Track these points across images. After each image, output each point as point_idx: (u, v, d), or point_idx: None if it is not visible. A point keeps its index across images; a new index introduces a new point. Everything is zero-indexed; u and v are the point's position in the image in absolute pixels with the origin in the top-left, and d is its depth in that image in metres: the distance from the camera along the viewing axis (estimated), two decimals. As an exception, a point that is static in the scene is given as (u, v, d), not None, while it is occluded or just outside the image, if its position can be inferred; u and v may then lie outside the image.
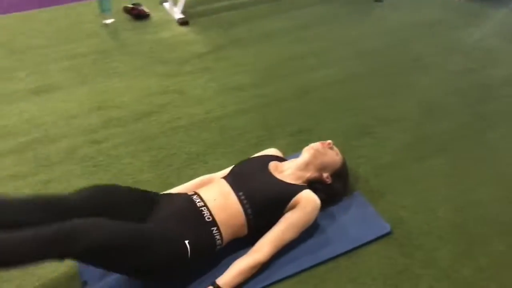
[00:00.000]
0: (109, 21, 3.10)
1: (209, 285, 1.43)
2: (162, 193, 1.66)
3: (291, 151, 2.00)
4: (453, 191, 1.93)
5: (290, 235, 1.56)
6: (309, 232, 1.68)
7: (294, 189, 1.60)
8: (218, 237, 1.48)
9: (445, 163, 2.06)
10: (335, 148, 1.79)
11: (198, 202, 1.51)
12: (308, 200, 1.59)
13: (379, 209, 1.82)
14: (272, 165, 1.71)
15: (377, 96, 2.50)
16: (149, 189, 1.82)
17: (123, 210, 1.41)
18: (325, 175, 1.72)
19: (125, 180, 1.92)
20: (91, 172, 1.96)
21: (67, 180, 1.91)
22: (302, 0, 3.52)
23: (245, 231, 1.55)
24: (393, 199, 1.87)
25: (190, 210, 1.48)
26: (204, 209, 1.50)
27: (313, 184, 1.71)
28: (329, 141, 1.77)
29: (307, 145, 1.83)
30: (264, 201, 1.55)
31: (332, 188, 1.74)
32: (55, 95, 2.41)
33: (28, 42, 2.86)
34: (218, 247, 1.50)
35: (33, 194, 1.43)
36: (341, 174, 1.77)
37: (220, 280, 1.44)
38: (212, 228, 1.47)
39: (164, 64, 2.71)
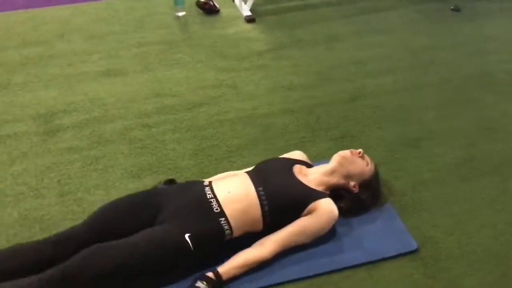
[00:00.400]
0: (181, 13, 3.27)
1: (209, 271, 1.49)
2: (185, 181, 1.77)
3: (329, 156, 1.99)
4: (495, 217, 1.81)
5: (299, 239, 1.58)
6: (330, 237, 1.68)
7: (314, 195, 1.61)
8: (226, 227, 1.53)
9: (493, 187, 1.94)
10: (366, 157, 1.76)
11: (208, 194, 1.58)
12: (325, 209, 1.59)
13: (410, 225, 1.76)
14: (297, 168, 1.73)
15: (433, 109, 2.40)
16: (186, 175, 1.94)
17: (125, 227, 1.50)
18: (352, 183, 1.71)
19: (166, 164, 2.04)
20: (138, 154, 2.10)
21: (115, 159, 2.07)
22: (376, 4, 3.45)
23: (260, 226, 1.59)
24: (427, 217, 1.80)
25: (198, 202, 1.55)
26: (213, 200, 1.55)
27: (338, 191, 1.71)
28: (360, 150, 1.75)
29: (347, 148, 1.81)
30: (282, 200, 1.58)
31: (358, 197, 1.72)
32: (120, 79, 2.61)
33: (106, 28, 3.11)
34: (228, 237, 1.55)
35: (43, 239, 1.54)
36: (370, 184, 1.74)
37: (221, 268, 1.50)
38: (220, 219, 1.53)
39: (224, 58, 2.81)
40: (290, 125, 2.29)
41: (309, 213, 1.59)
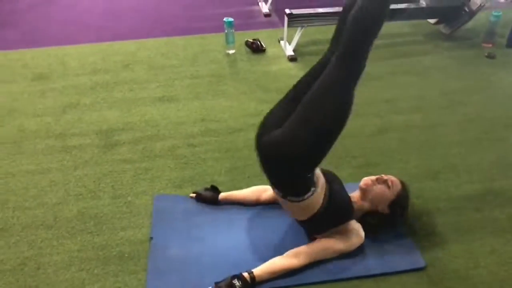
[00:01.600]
0: (231, 51, 3.63)
1: (246, 272, 1.70)
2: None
3: (351, 180, 2.18)
4: (504, 247, 1.92)
5: (327, 255, 1.80)
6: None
7: (355, 214, 1.83)
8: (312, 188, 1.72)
9: (504, 219, 2.05)
10: (388, 179, 1.87)
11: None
12: (357, 233, 1.82)
13: (420, 245, 1.91)
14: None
15: (457, 145, 2.54)
16: (221, 189, 2.19)
17: None
18: (379, 208, 1.86)
19: (205, 178, 2.31)
20: (181, 168, 2.39)
21: (162, 171, 2.38)
22: (412, 49, 3.65)
23: (308, 214, 1.76)
24: (438, 241, 1.94)
25: None
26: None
27: (371, 215, 1.88)
28: (376, 176, 1.89)
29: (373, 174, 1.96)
30: (338, 204, 1.78)
31: (390, 217, 1.87)
32: (173, 105, 2.96)
33: (165, 61, 3.51)
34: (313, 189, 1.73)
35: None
36: (398, 203, 1.87)
37: (256, 271, 1.72)
38: (313, 189, 1.72)
39: (265, 91, 3.11)
40: (319, 152, 2.51)
41: (343, 229, 1.79)
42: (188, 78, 3.28)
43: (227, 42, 3.62)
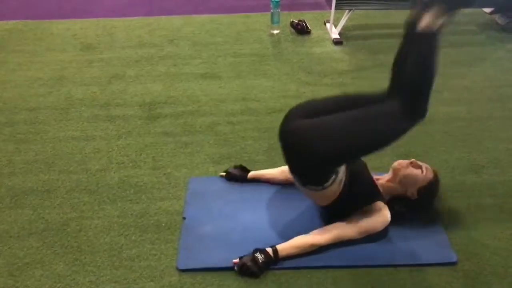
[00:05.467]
0: (276, 31, 3.61)
1: (269, 247, 1.73)
2: None
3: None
4: (547, 247, 1.85)
5: (352, 234, 1.77)
6: (379, 236, 1.84)
7: (379, 196, 1.81)
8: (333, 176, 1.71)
9: (550, 219, 1.97)
10: (422, 165, 1.88)
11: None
12: (382, 213, 1.78)
13: (458, 240, 1.87)
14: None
15: (504, 141, 2.45)
16: (257, 168, 2.21)
17: None
18: (409, 192, 1.86)
19: (243, 156, 2.33)
20: (220, 144, 2.42)
21: (201, 146, 2.41)
22: (465, 39, 3.51)
23: (329, 201, 1.78)
24: (477, 236, 1.90)
25: None
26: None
27: (400, 198, 1.87)
28: (412, 160, 1.90)
29: None
30: (359, 186, 1.78)
31: (418, 203, 1.87)
32: (215, 82, 2.98)
33: (209, 38, 3.53)
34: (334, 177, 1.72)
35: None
36: (428, 189, 1.86)
37: (279, 246, 1.73)
38: (333, 177, 1.71)
39: (308, 74, 3.08)
40: (358, 138, 2.48)
41: (368, 210, 1.78)
42: (231, 56, 3.28)
43: (272, 22, 3.59)
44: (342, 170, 1.74)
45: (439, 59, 1.66)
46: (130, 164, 2.30)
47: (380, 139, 1.66)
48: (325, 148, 1.60)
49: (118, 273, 1.76)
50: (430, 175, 1.88)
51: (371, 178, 1.87)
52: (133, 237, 1.91)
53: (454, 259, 1.78)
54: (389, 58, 3.28)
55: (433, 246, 1.82)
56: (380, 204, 1.80)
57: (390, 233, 1.87)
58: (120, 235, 1.92)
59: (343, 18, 3.53)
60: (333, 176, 1.69)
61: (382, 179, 1.93)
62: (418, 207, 1.89)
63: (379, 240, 1.83)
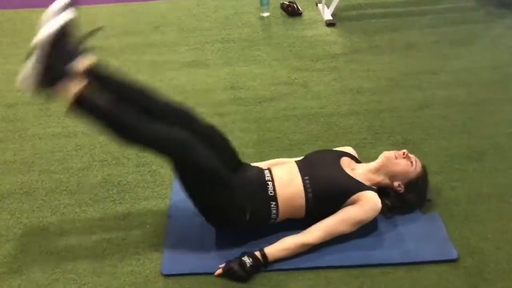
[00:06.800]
0: (265, 14, 3.46)
1: (257, 251, 1.63)
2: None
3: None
4: (552, 240, 1.75)
5: (342, 228, 1.67)
6: (371, 232, 1.75)
7: (360, 186, 1.69)
8: (274, 211, 1.67)
9: (555, 209, 1.87)
10: (412, 158, 1.80)
11: (267, 176, 1.72)
12: (369, 199, 1.66)
13: (459, 234, 1.77)
14: (345, 161, 1.81)
15: (504, 125, 2.33)
16: (246, 161, 2.10)
17: (223, 153, 1.70)
18: (396, 183, 1.76)
19: (231, 149, 2.23)
20: (208, 137, 2.31)
21: (188, 139, 2.30)
22: (463, 17, 3.37)
23: (302, 213, 1.71)
24: (478, 229, 1.80)
25: (258, 181, 1.70)
26: (270, 183, 1.69)
27: (384, 190, 1.77)
28: (404, 150, 1.80)
29: None
30: (327, 190, 1.68)
31: (404, 197, 1.77)
32: (202, 70, 2.85)
33: (196, 24, 3.38)
34: (272, 220, 1.69)
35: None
36: (415, 184, 1.78)
37: (267, 249, 1.63)
38: (271, 202, 1.66)
39: (299, 59, 2.94)
40: (353, 126, 2.36)
41: (353, 203, 1.67)
42: (219, 42, 3.15)
43: (262, 4, 3.44)
44: (284, 187, 1.69)
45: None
46: (113, 162, 2.19)
47: None
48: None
49: (101, 280, 1.67)
50: (420, 169, 1.79)
51: (342, 174, 1.73)
52: (116, 241, 1.81)
53: (455, 255, 1.68)
54: (385, 39, 3.20)
55: (432, 242, 1.72)
56: (366, 192, 1.69)
57: (384, 230, 1.77)
58: (102, 239, 1.82)
59: (335, -2, 3.38)
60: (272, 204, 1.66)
61: (366, 169, 1.81)
62: (404, 201, 1.79)
63: (371, 233, 1.74)
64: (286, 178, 1.72)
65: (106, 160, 2.20)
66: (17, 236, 1.84)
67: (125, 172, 2.12)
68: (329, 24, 3.31)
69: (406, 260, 1.66)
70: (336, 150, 1.92)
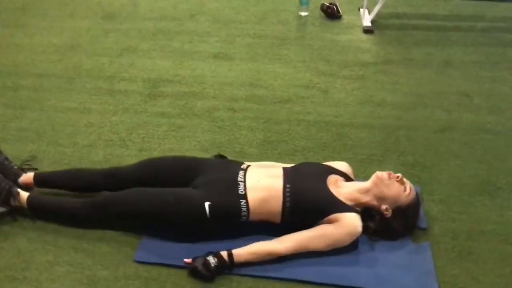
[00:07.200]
0: (304, 13, 3.38)
1: (225, 250, 1.60)
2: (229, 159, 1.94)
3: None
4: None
5: (316, 245, 1.60)
6: (349, 252, 1.66)
7: (340, 206, 1.62)
8: (244, 209, 1.63)
9: None
10: (407, 183, 1.70)
11: (240, 177, 1.68)
12: (348, 223, 1.59)
13: (448, 270, 1.65)
14: (333, 178, 1.73)
15: (531, 161, 2.15)
16: (247, 161, 2.06)
17: (166, 179, 1.75)
18: (384, 207, 1.66)
19: (234, 147, 2.20)
20: (214, 132, 2.29)
21: (194, 131, 2.30)
22: (508, 38, 3.14)
23: (278, 219, 1.66)
24: (471, 269, 1.67)
25: (229, 181, 1.68)
26: (241, 184, 1.66)
27: (369, 211, 1.68)
28: (398, 174, 1.69)
29: (413, 178, 1.80)
30: (305, 202, 1.63)
31: (389, 222, 1.67)
32: (226, 63, 2.83)
33: (232, 16, 3.37)
34: (244, 218, 1.65)
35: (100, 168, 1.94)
36: (404, 212, 1.67)
37: (235, 250, 1.60)
38: (241, 200, 1.63)
39: (327, 63, 2.86)
40: (364, 140, 2.26)
41: (330, 222, 1.60)
42: (250, 37, 3.11)
43: (301, 3, 3.37)
44: (259, 190, 1.67)
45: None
46: (118, 143, 2.23)
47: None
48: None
49: (77, 256, 1.70)
50: (412, 197, 1.68)
51: (326, 191, 1.67)
52: (100, 221, 1.84)
53: (436, 293, 1.57)
54: (422, 53, 3.04)
55: (412, 273, 1.61)
56: (347, 214, 1.61)
57: (366, 251, 1.68)
58: (89, 220, 1.85)
59: (378, 3, 3.24)
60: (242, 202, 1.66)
61: (354, 188, 1.72)
62: (388, 227, 1.68)
63: (350, 252, 1.65)
64: (264, 182, 1.68)
65: (111, 140, 2.24)
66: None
67: (126, 155, 2.15)
68: (367, 30, 3.18)
69: (379, 287, 1.57)
70: (327, 166, 1.84)
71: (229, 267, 1.59)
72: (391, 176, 1.68)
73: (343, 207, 1.62)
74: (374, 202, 1.68)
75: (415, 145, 2.23)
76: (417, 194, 1.72)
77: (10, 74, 2.70)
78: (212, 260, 1.57)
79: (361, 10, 3.39)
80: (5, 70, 2.73)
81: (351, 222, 1.59)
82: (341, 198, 1.66)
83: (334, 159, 2.09)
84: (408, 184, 1.69)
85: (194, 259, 1.60)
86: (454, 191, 1.97)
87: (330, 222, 1.61)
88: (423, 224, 1.78)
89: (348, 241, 1.61)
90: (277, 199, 1.64)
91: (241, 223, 1.68)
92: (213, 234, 1.70)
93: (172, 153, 2.15)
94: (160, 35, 3.11)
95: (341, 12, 3.37)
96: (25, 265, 1.65)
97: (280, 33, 3.17)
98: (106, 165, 2.07)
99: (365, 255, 1.67)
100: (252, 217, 1.66)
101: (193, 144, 2.23)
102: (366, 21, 3.25)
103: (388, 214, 1.67)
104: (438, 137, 2.29)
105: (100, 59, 2.85)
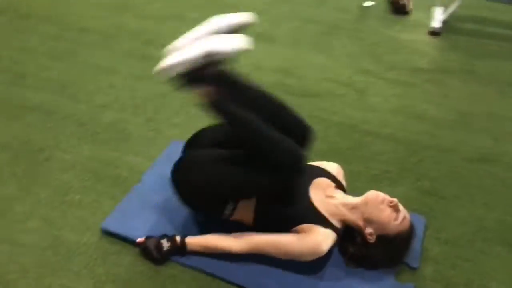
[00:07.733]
0: (369, 4, 3.10)
1: (179, 236, 1.52)
2: None
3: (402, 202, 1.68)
4: None
5: (271, 252, 1.48)
6: (317, 274, 1.50)
7: (315, 218, 1.46)
8: (231, 207, 1.52)
9: None
10: (402, 212, 1.47)
11: None
12: (314, 238, 1.42)
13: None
14: (319, 182, 1.56)
15: None
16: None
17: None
18: (368, 230, 1.46)
19: (241, 134, 2.08)
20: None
21: (209, 110, 2.21)
22: None
23: (250, 221, 1.54)
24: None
25: None
26: None
27: (352, 232, 1.49)
28: (394, 199, 1.47)
29: (424, 208, 1.65)
30: (276, 209, 1.49)
31: (369, 249, 1.47)
32: (265, 45, 2.68)
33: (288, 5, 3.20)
34: (226, 216, 1.54)
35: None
36: (390, 242, 1.46)
37: (189, 239, 1.52)
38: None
39: (374, 61, 2.59)
40: (384, 154, 2.03)
41: (300, 231, 1.45)
42: (301, 21, 2.92)
43: (368, -8, 3.10)
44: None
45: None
46: (130, 109, 2.20)
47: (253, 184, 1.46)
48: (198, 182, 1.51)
49: (52, 214, 1.71)
50: (405, 227, 1.46)
51: (306, 198, 1.50)
52: (85, 183, 1.83)
53: None
54: (487, 67, 2.65)
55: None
56: (318, 228, 1.44)
57: (337, 278, 1.50)
58: (76, 177, 1.85)
59: (455, 2, 2.87)
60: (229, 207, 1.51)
61: (342, 201, 1.52)
62: (367, 254, 1.48)
63: (314, 273, 1.49)
64: None
65: (125, 105, 2.22)
66: (15, 147, 1.97)
67: (134, 122, 2.12)
68: (433, 32, 2.84)
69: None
70: (316, 167, 1.64)
71: (181, 253, 1.52)
72: (385, 200, 1.46)
73: (318, 219, 1.45)
74: (359, 223, 1.48)
75: (440, 170, 1.95)
76: (412, 226, 1.49)
77: (56, 24, 2.78)
78: (165, 243, 1.50)
79: (436, 8, 3.03)
80: (53, 20, 2.82)
81: (316, 239, 1.42)
82: (321, 208, 1.49)
83: (342, 168, 1.90)
84: (403, 213, 1.47)
85: (147, 238, 1.55)
86: (468, 233, 1.70)
87: (300, 231, 1.45)
88: (414, 263, 1.55)
89: (308, 257, 1.44)
90: (251, 201, 1.51)
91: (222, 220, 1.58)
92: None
93: (178, 129, 2.10)
94: (210, 6, 3.03)
95: (411, 7, 3.04)
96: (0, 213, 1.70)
97: (335, 21, 2.94)
98: (110, 129, 2.08)
99: (330, 279, 1.49)
100: (234, 217, 1.55)
101: (202, 124, 2.10)
102: (436, 21, 2.90)
103: (372, 239, 1.46)
104: (472, 167, 1.98)
105: (145, 22, 2.84)
